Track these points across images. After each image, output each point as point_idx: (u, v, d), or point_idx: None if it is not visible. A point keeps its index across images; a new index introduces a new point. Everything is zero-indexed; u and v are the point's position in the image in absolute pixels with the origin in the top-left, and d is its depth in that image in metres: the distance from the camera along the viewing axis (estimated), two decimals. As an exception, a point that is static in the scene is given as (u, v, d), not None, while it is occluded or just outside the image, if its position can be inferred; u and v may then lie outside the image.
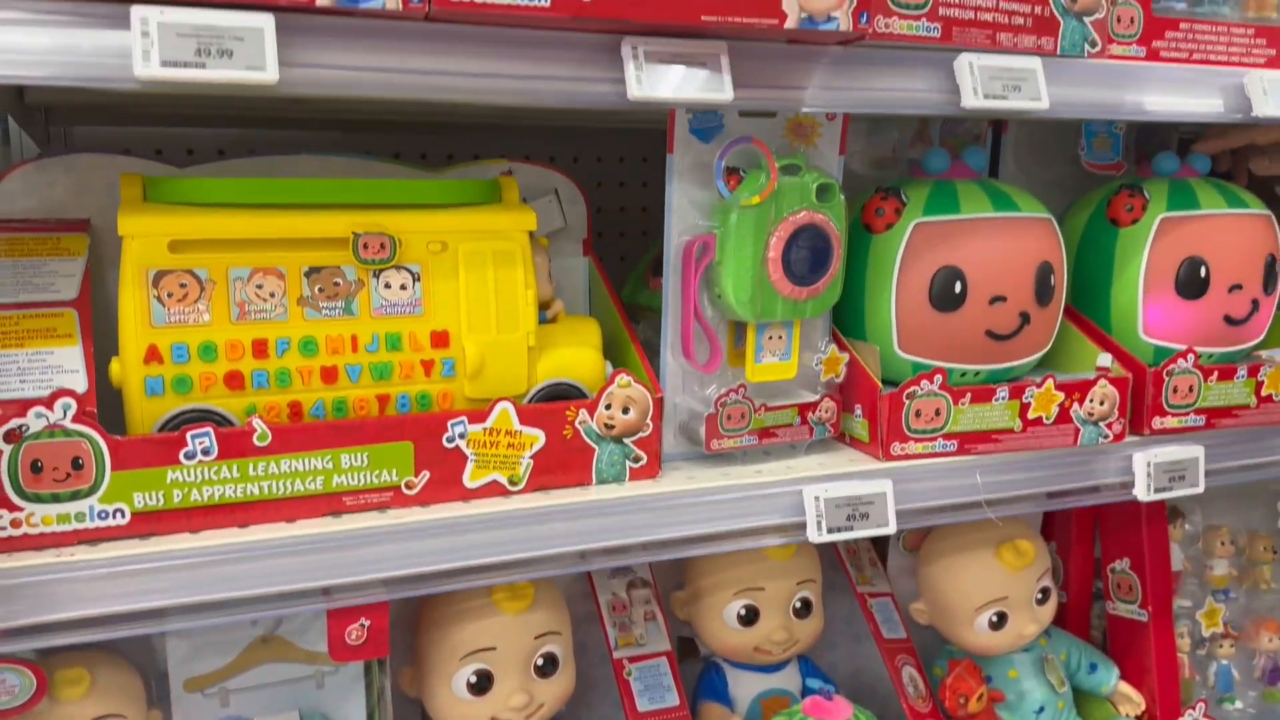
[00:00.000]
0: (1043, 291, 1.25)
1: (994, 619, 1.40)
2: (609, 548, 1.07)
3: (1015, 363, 1.27)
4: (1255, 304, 1.36)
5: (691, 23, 0.94)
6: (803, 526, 1.13)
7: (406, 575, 0.99)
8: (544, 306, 1.13)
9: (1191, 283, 1.34)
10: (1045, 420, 1.25)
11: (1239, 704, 1.64)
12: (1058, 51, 1.17)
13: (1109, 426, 1.27)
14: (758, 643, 1.33)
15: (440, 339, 1.02)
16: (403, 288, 1.00)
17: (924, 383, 1.19)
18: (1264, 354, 1.39)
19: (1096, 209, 1.41)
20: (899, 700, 1.35)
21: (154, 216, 0.91)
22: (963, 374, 1.26)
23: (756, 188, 1.11)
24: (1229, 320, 1.36)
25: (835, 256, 1.18)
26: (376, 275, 0.99)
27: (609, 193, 1.48)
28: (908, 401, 1.19)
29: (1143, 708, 1.51)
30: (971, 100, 1.10)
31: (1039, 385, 1.24)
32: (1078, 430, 1.26)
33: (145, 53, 0.79)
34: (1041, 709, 1.43)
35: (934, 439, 1.21)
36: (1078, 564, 1.62)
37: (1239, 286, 1.35)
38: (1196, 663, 1.63)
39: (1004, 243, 1.24)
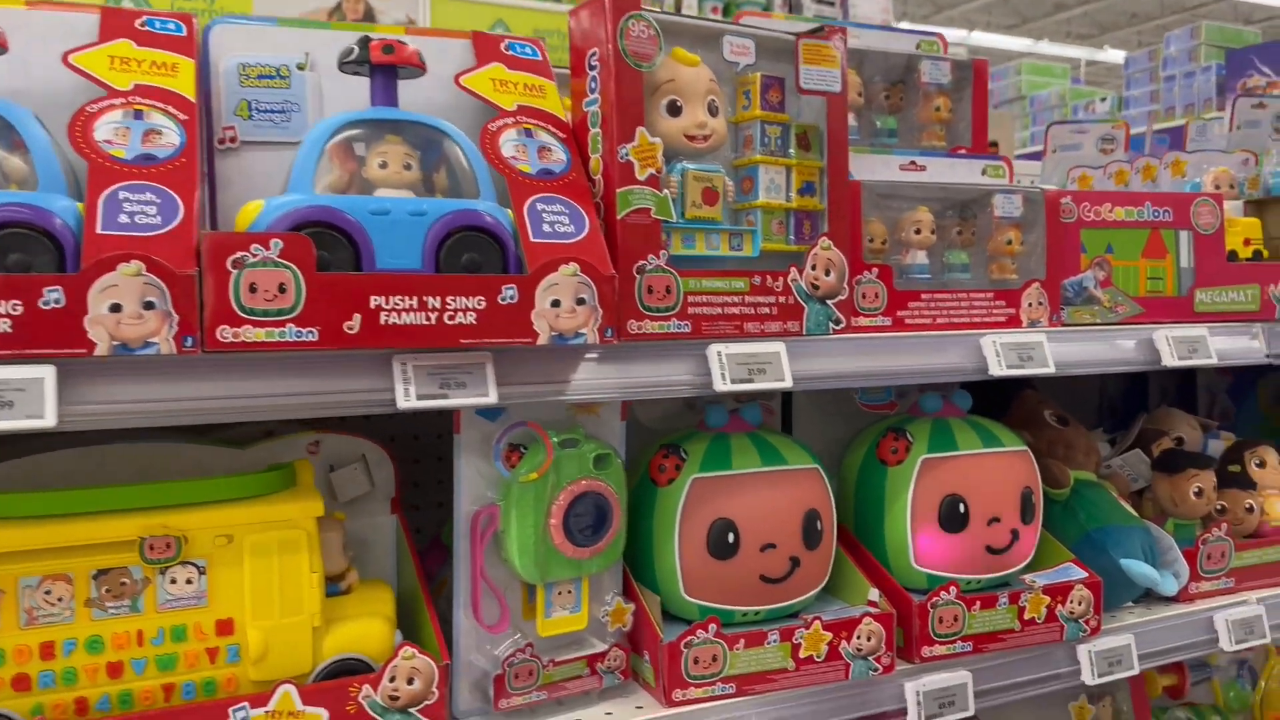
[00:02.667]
0: (810, 537, 1.38)
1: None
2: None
3: (791, 601, 1.39)
4: (1015, 534, 1.51)
5: (452, 345, 1.07)
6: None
7: None
8: (337, 579, 1.22)
9: (952, 518, 1.48)
10: (816, 658, 1.36)
11: None
12: (804, 332, 1.34)
13: (878, 659, 1.39)
14: None
15: (225, 627, 1.09)
16: (188, 581, 1.08)
17: (699, 631, 1.29)
18: (1027, 579, 1.53)
19: (868, 450, 1.56)
20: None
21: (-56, 535, 0.99)
22: (744, 614, 1.37)
23: (534, 465, 1.23)
24: (991, 550, 1.50)
25: (615, 517, 1.29)
26: (163, 572, 1.07)
27: (426, 444, 1.58)
28: (685, 650, 1.29)
29: None
30: (721, 385, 1.24)
31: (807, 626, 1.35)
32: (848, 665, 1.37)
33: (-70, 412, 0.88)
34: None
35: (713, 683, 1.31)
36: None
37: (997, 519, 1.50)
38: None
39: (772, 494, 1.37)
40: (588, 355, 1.21)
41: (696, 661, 1.30)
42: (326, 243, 1.04)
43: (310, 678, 1.14)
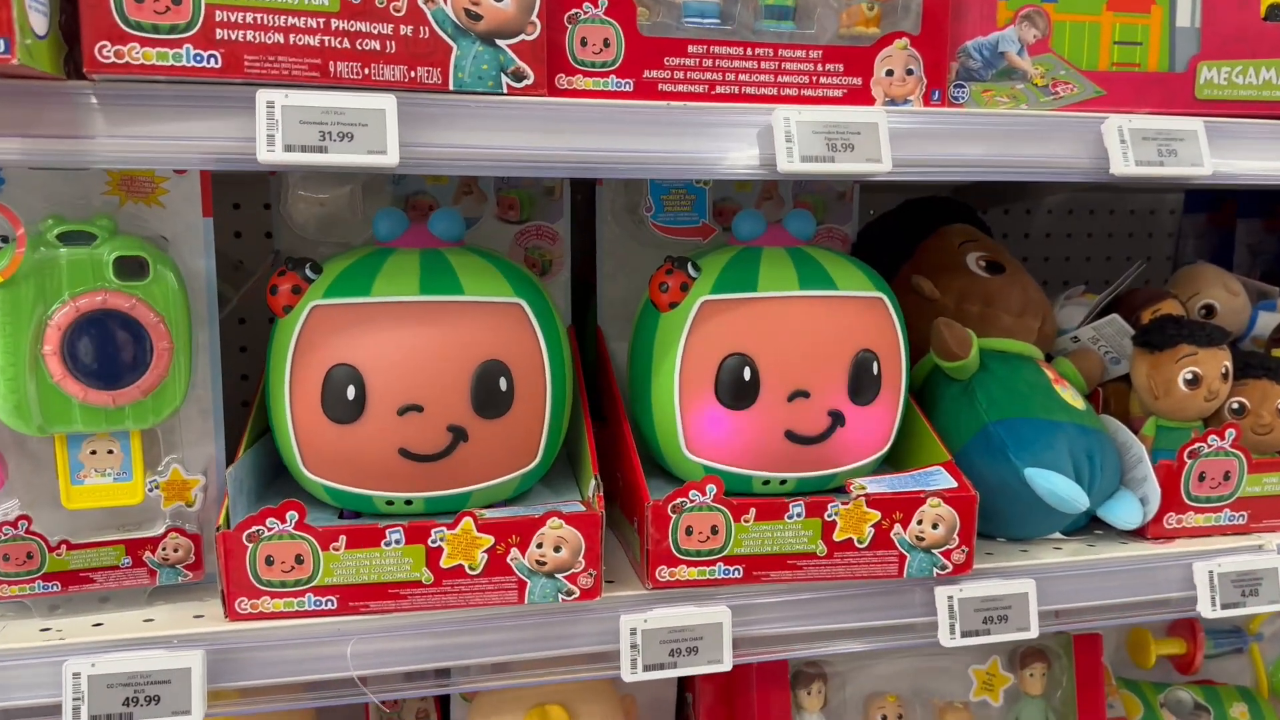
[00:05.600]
0: (485, 400, 0.95)
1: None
2: None
3: (459, 490, 0.97)
4: (836, 417, 1.02)
5: None
6: (58, 709, 0.86)
7: None
8: None
9: (735, 388, 1.00)
10: (470, 570, 0.93)
11: None
12: (450, 86, 0.88)
13: (573, 580, 0.95)
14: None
15: None
16: None
17: (270, 519, 0.90)
18: (854, 483, 1.04)
19: (648, 290, 1.08)
20: None
21: None
22: (388, 503, 0.97)
23: (1, 264, 0.85)
24: (794, 437, 1.01)
25: (158, 351, 0.90)
26: None
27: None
28: (251, 545, 0.90)
29: None
30: (267, 153, 0.81)
31: (452, 527, 0.93)
32: (523, 584, 0.94)
33: None
34: None
35: (300, 593, 0.92)
36: (711, 727, 1.28)
37: (803, 393, 1.01)
38: None
39: (424, 335, 0.94)
40: (42, 95, 0.80)
41: (269, 562, 0.91)
42: None
43: None
